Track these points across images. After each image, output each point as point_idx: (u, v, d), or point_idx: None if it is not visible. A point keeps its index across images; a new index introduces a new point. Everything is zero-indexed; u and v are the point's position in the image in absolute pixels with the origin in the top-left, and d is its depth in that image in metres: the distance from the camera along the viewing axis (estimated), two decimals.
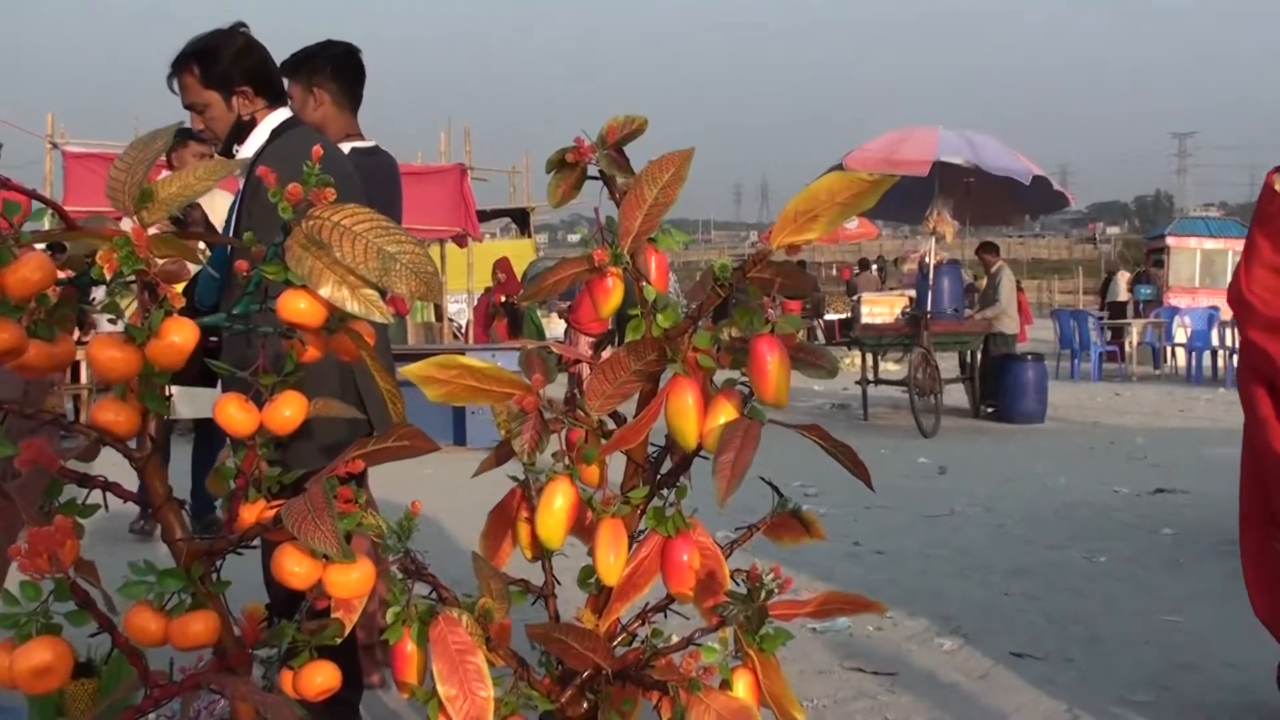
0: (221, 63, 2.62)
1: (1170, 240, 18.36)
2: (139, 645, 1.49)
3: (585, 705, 1.69)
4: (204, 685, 1.51)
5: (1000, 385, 10.25)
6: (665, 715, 1.63)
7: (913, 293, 10.63)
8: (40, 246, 1.38)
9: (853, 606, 1.78)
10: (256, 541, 1.54)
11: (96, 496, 1.50)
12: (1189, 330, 15.34)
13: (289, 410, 1.53)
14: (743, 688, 1.65)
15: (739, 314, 1.58)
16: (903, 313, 10.31)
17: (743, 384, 1.60)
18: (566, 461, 1.67)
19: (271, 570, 1.45)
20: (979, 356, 10.52)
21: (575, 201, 1.75)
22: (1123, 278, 20.68)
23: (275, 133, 2.66)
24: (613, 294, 1.61)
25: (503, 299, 13.88)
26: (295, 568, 1.43)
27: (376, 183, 3.11)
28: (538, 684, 1.67)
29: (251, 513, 1.58)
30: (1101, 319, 16.88)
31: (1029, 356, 10.44)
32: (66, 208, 1.48)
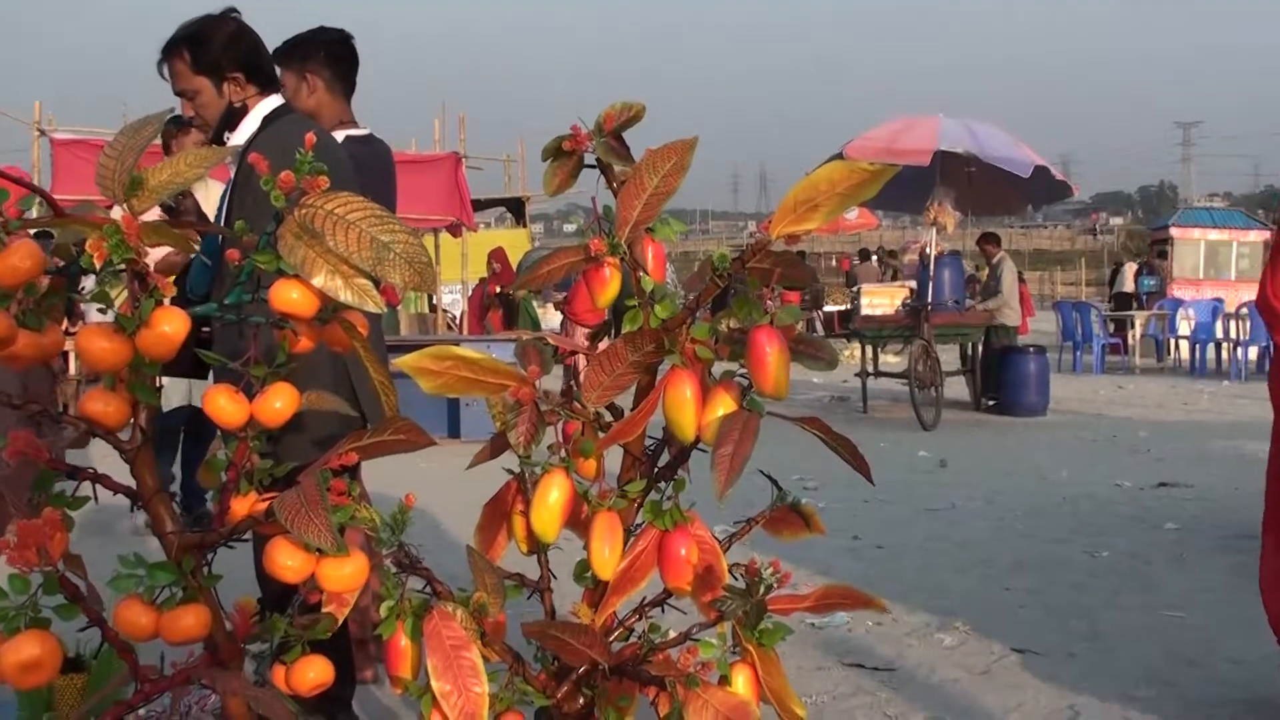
0: (213, 48, 2.59)
1: (1174, 231, 18.25)
2: (129, 639, 1.47)
3: (581, 701, 1.67)
4: (195, 680, 1.50)
5: (1002, 378, 10.22)
6: (663, 711, 1.62)
7: (913, 284, 10.59)
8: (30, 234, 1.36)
9: (852, 601, 1.77)
10: (248, 535, 1.52)
11: (86, 489, 1.49)
12: (1193, 322, 15.25)
13: (280, 402, 1.52)
14: (742, 683, 1.65)
15: (738, 305, 1.56)
16: (903, 304, 10.28)
17: (741, 376, 1.58)
18: (562, 454, 1.65)
19: (264, 564, 1.44)
20: (980, 349, 10.48)
21: (572, 190, 1.73)
22: (1130, 268, 20.55)
23: (267, 120, 2.63)
24: (610, 284, 1.59)
25: (498, 290, 13.84)
26: (288, 561, 1.41)
27: (370, 171, 3.09)
28: (533, 679, 1.66)
29: (243, 506, 1.57)
30: (1104, 312, 16.82)
31: (1031, 349, 10.40)
32: (55, 195, 1.46)
